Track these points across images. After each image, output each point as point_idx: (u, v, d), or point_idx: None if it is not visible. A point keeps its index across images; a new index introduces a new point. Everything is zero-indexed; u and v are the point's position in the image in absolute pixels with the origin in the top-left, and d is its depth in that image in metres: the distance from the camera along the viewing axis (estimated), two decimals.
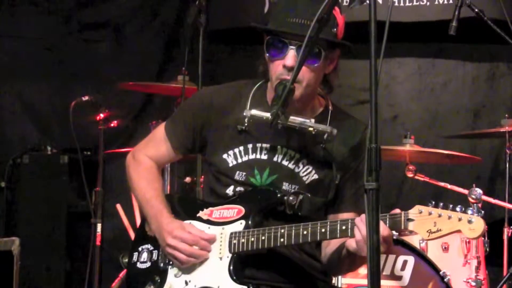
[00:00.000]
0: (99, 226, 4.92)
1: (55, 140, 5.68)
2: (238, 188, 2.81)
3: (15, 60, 5.90)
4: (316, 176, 2.78)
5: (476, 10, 3.32)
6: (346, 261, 2.70)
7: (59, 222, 5.46)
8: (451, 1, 5.36)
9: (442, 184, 4.58)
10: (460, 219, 2.40)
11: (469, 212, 2.41)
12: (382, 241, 2.38)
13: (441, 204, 2.45)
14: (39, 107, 5.98)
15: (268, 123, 2.63)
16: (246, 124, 2.78)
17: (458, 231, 2.42)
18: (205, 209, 2.83)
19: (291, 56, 2.66)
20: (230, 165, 2.82)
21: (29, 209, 5.40)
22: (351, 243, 2.54)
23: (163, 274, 2.84)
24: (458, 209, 2.43)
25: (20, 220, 5.39)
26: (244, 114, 2.75)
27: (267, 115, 2.65)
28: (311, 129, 2.69)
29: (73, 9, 6.04)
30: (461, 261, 4.01)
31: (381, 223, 2.41)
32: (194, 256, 2.74)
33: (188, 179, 4.82)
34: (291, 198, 2.72)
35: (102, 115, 5.02)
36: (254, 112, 2.74)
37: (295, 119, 2.69)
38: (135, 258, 2.95)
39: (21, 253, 3.96)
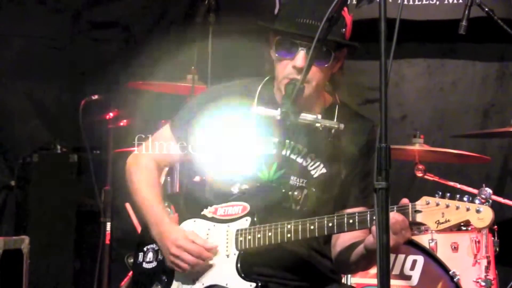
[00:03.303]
0: (108, 224, 4.93)
1: (64, 139, 5.67)
2: (244, 186, 2.82)
3: (25, 59, 5.90)
4: (324, 170, 2.79)
5: (486, 9, 3.31)
6: (363, 261, 2.69)
7: (69, 221, 5.46)
8: (460, 1, 5.32)
9: (451, 183, 4.56)
10: (468, 209, 2.41)
11: (477, 202, 2.41)
12: (399, 229, 2.37)
13: (448, 194, 2.47)
14: (48, 106, 5.98)
15: (275, 119, 2.64)
16: (254, 121, 2.79)
17: (467, 221, 2.42)
18: (209, 207, 2.84)
19: (301, 57, 2.66)
20: (238, 160, 2.82)
21: (39, 208, 5.39)
22: (370, 239, 2.53)
23: (170, 274, 2.84)
24: (465, 199, 2.44)
25: (30, 219, 5.38)
26: (252, 111, 2.76)
27: (274, 112, 2.66)
28: (318, 125, 2.70)
29: (82, 8, 6.05)
30: (471, 261, 4.00)
31: (393, 213, 2.41)
32: (197, 266, 2.74)
33: (197, 178, 4.81)
34: (295, 193, 2.72)
35: (111, 114, 5.04)
36: (262, 110, 2.75)
37: (305, 117, 2.69)
38: (140, 258, 2.96)
39: (31, 251, 3.99)
